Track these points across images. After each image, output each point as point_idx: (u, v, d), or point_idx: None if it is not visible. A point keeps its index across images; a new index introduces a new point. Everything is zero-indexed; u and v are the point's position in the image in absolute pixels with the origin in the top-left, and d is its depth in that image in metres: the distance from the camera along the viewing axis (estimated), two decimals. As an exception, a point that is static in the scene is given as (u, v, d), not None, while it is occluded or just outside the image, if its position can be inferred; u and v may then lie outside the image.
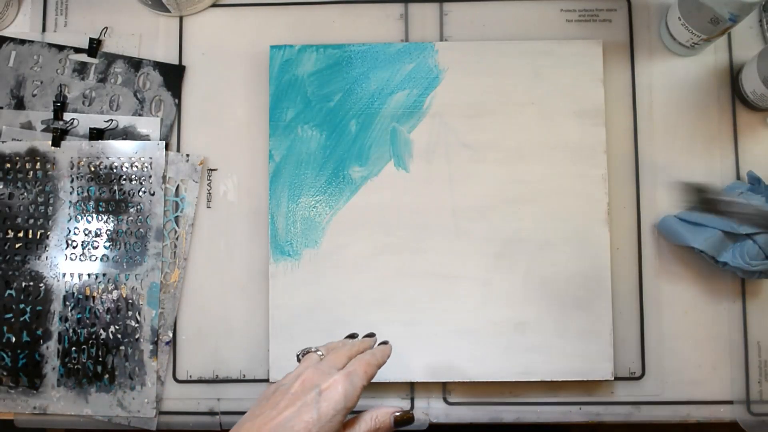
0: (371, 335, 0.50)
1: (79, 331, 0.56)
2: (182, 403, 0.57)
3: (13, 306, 0.57)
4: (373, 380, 0.54)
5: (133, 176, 0.58)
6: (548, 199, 0.56)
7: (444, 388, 0.57)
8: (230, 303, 0.58)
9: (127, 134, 0.59)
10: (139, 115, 0.59)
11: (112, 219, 0.57)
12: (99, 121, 0.59)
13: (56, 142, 0.58)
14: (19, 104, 0.59)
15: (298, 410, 0.39)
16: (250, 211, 0.58)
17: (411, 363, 0.55)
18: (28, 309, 0.57)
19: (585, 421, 0.57)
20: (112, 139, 0.58)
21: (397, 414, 0.44)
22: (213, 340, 0.57)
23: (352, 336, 0.49)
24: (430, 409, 0.57)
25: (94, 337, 0.56)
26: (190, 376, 0.57)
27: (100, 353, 0.56)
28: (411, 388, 0.57)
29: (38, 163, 0.58)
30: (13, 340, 0.56)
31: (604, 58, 0.57)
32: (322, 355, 0.44)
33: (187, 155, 0.58)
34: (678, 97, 0.59)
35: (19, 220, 0.57)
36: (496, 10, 0.60)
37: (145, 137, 0.59)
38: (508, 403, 0.57)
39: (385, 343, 0.48)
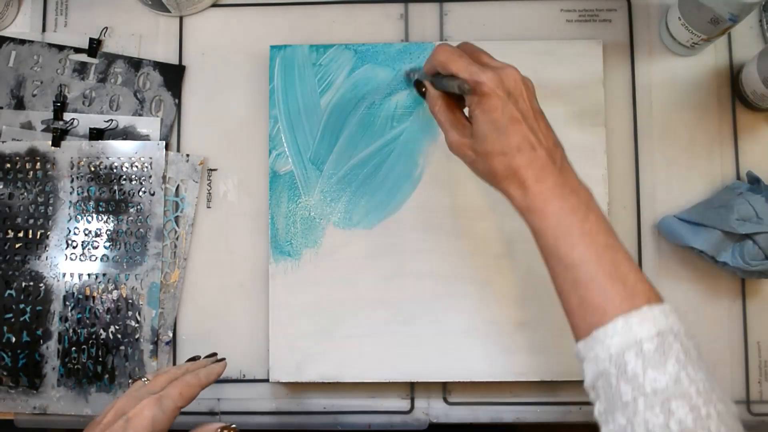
0: (211, 355, 0.49)
1: (79, 331, 0.56)
2: (182, 403, 0.57)
3: (13, 306, 0.57)
4: (374, 380, 0.55)
5: (133, 176, 0.58)
6: (548, 199, 0.56)
7: (444, 388, 0.57)
8: (230, 303, 0.58)
9: (127, 134, 0.59)
10: (139, 115, 0.59)
11: (112, 219, 0.57)
12: (99, 121, 0.59)
13: (56, 142, 0.58)
14: (19, 104, 0.59)
15: None
16: (250, 211, 0.58)
17: (411, 363, 0.55)
18: (28, 309, 0.57)
19: (585, 421, 0.56)
20: (112, 139, 0.58)
21: (222, 428, 0.42)
22: (213, 340, 0.57)
23: (194, 359, 0.49)
24: (430, 409, 0.57)
25: (94, 337, 0.56)
26: (190, 376, 0.57)
27: (100, 353, 0.56)
28: (411, 388, 0.57)
29: (38, 163, 0.58)
30: (13, 340, 0.56)
31: (604, 58, 0.57)
32: (147, 381, 0.43)
33: (187, 155, 0.58)
34: (678, 97, 0.59)
35: (19, 220, 0.57)
36: (496, 10, 0.60)
37: (145, 137, 0.58)
38: (508, 403, 0.57)
39: (220, 360, 0.47)
